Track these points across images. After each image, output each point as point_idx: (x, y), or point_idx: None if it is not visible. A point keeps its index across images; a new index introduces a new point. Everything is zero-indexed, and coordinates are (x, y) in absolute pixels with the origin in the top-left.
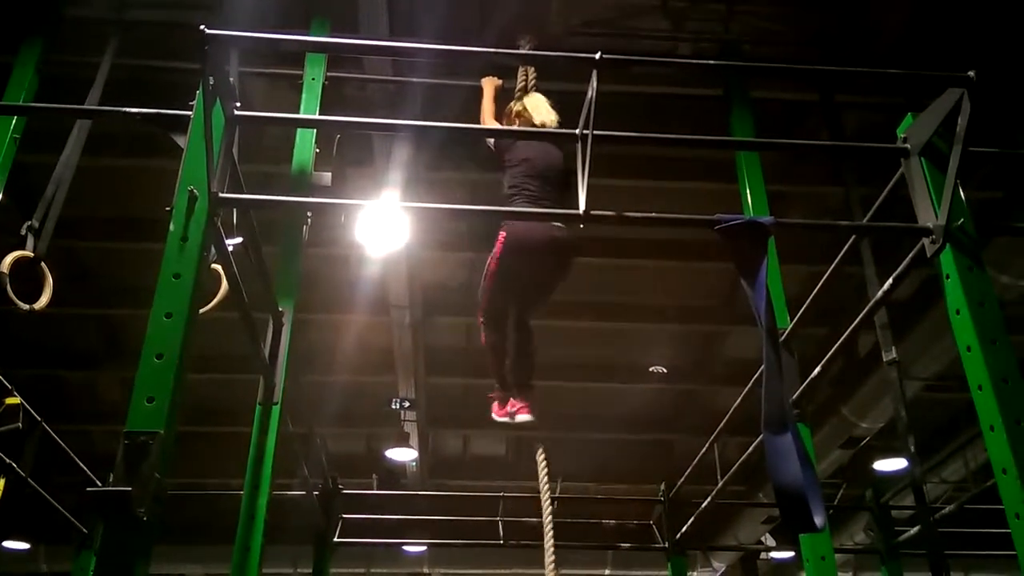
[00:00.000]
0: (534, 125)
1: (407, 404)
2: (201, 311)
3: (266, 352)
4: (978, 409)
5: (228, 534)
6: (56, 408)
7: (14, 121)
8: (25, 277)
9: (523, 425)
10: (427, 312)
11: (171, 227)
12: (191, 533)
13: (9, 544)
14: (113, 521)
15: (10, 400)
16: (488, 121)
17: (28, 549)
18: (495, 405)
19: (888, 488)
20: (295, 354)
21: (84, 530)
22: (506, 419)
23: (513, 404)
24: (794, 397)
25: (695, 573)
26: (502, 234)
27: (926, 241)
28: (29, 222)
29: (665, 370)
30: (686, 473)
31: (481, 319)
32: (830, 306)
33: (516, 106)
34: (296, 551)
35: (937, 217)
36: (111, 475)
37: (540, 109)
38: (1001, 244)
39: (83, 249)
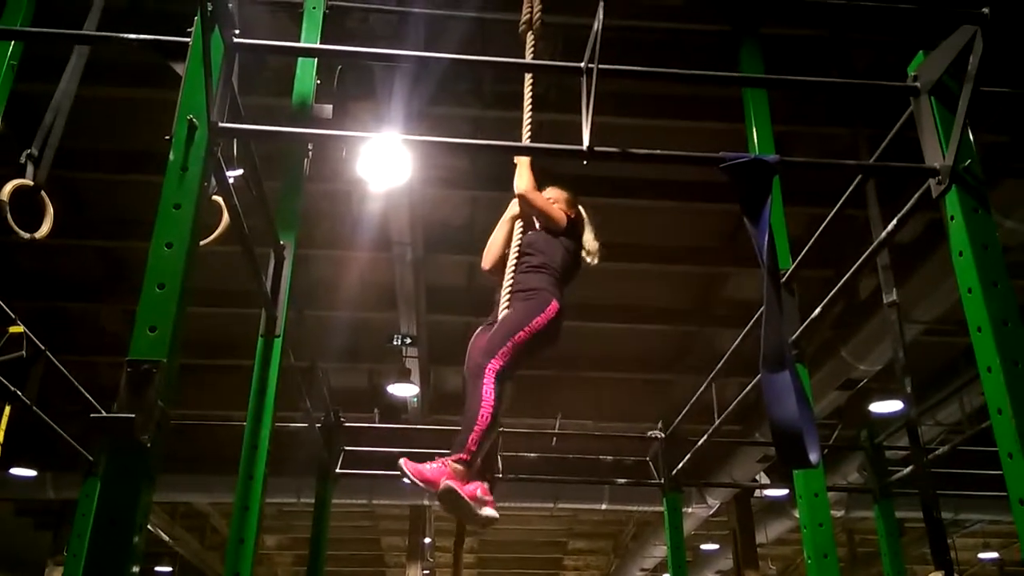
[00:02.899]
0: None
1: (408, 341)
2: (202, 243)
3: (268, 286)
4: (976, 351)
5: (234, 464)
6: (59, 339)
7: (11, 47)
8: (26, 206)
9: (484, 520)
10: (429, 249)
11: (171, 156)
12: (197, 463)
13: (16, 471)
14: (117, 447)
15: (13, 329)
16: (535, 192)
17: (35, 476)
18: (455, 474)
19: (883, 430)
20: (297, 289)
21: (90, 458)
22: (472, 502)
23: (484, 491)
24: (793, 337)
25: (690, 509)
26: (555, 303)
27: (932, 182)
28: (28, 150)
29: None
30: (683, 411)
31: (498, 369)
32: (833, 249)
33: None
34: (300, 482)
35: (944, 157)
36: (115, 404)
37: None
38: (1007, 188)
39: (83, 180)
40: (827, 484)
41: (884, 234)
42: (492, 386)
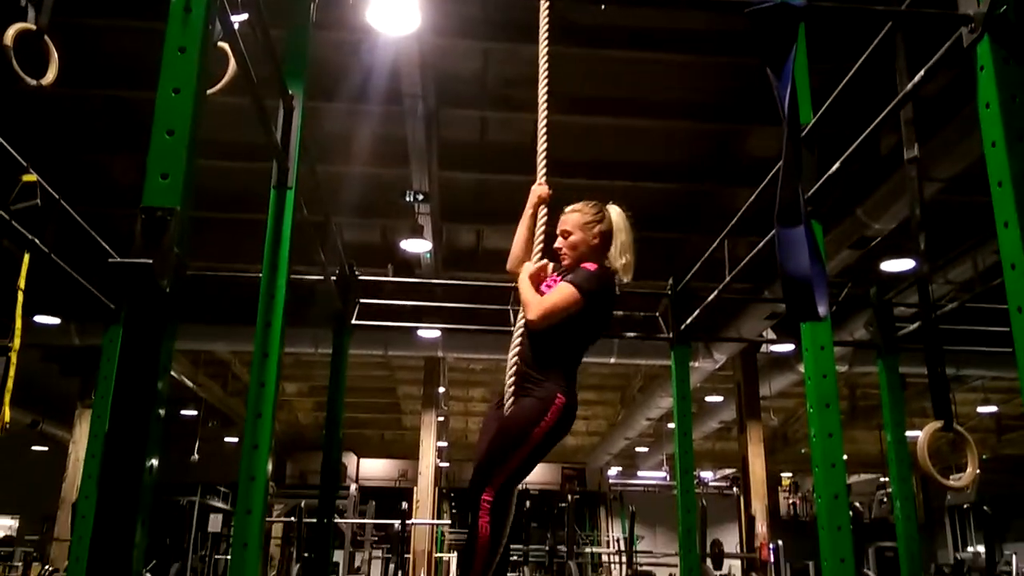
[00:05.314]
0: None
1: (421, 197)
2: (210, 91)
3: (278, 136)
4: (995, 205)
5: (253, 315)
6: (73, 191)
7: None
8: (30, 52)
9: None
10: (441, 103)
11: None
12: (217, 313)
13: (40, 319)
14: (136, 293)
15: (26, 177)
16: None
17: (59, 324)
18: None
19: (893, 288)
20: (308, 142)
21: (111, 305)
22: None
23: None
24: (810, 193)
25: (696, 363)
26: (561, 398)
27: (964, 30)
28: None
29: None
30: (694, 269)
31: (492, 496)
32: (856, 109)
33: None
34: (316, 333)
35: (979, 4)
36: (131, 250)
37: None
38: None
39: (89, 27)
40: (833, 339)
41: (911, 85)
42: (487, 520)
